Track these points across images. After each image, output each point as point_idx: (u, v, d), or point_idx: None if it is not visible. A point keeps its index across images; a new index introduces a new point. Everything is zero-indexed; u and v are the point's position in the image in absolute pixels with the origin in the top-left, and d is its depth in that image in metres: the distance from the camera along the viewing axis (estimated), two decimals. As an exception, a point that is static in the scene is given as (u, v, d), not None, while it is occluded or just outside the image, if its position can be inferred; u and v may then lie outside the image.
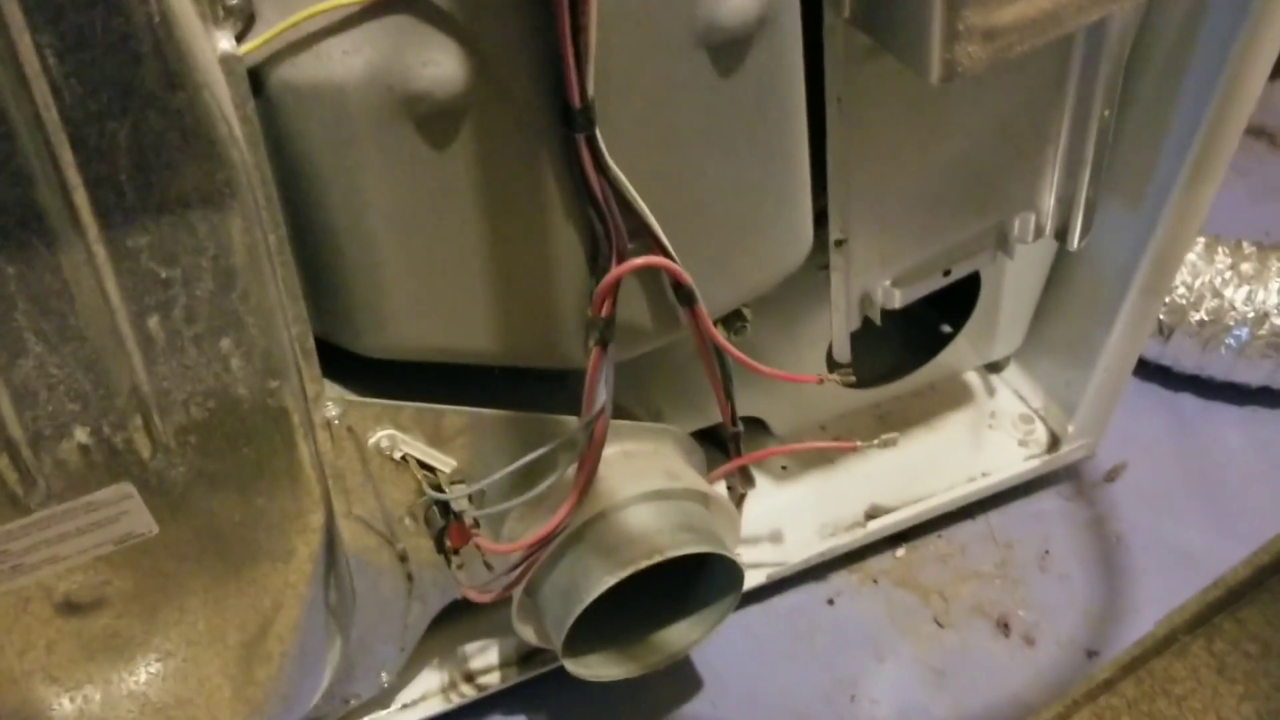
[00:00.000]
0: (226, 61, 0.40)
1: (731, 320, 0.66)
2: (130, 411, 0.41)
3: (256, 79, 0.43)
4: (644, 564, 0.59)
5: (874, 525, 0.81)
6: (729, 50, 0.49)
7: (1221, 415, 0.94)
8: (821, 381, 0.65)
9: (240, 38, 0.42)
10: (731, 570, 0.65)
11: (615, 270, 0.52)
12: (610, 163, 0.49)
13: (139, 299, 0.39)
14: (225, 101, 0.39)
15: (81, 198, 0.36)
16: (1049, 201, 0.71)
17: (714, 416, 0.67)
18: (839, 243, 0.64)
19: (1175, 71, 0.68)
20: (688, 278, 0.54)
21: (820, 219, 0.62)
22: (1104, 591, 0.82)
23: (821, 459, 0.84)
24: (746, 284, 0.60)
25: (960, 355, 0.87)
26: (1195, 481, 0.89)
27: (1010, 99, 0.63)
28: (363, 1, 0.42)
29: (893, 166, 0.63)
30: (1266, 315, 0.88)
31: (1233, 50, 0.64)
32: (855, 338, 0.70)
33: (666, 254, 0.53)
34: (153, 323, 0.39)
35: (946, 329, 0.86)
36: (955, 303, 0.84)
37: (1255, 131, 1.15)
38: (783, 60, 0.52)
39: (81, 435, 0.40)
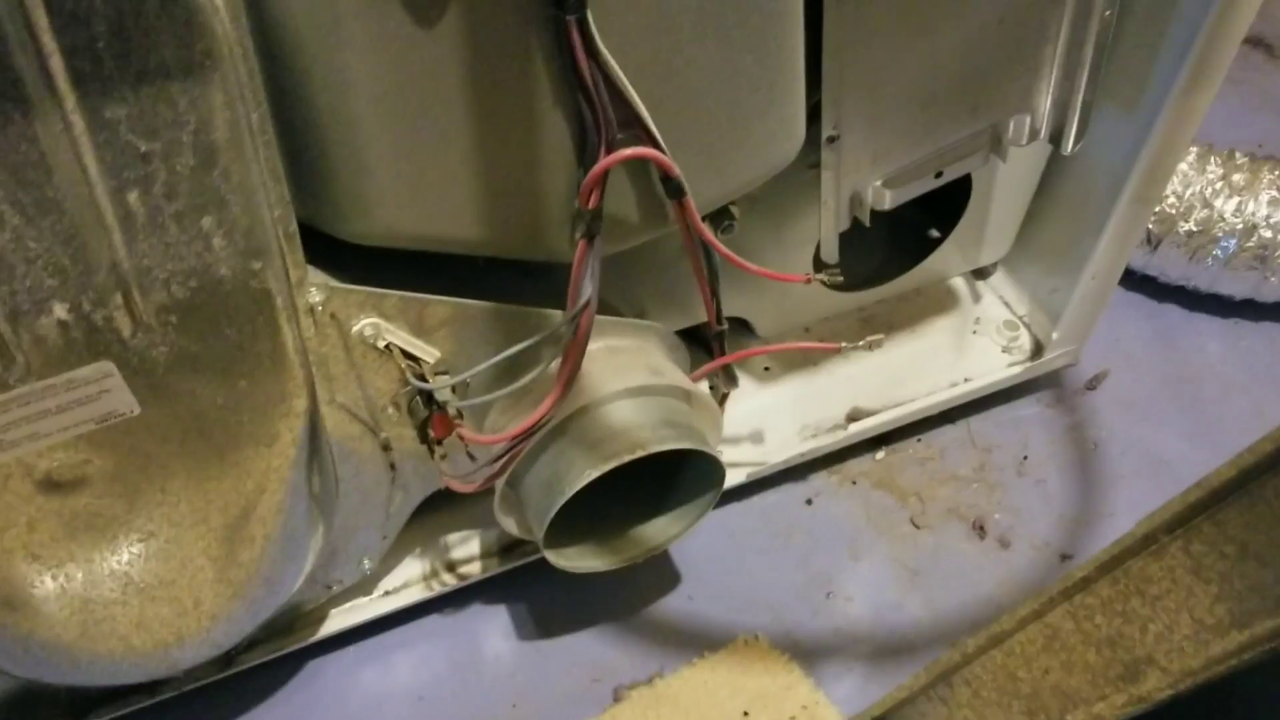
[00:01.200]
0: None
1: (719, 218, 0.66)
2: (110, 288, 0.40)
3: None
4: (626, 459, 0.59)
5: (855, 428, 0.81)
6: (727, -68, 0.48)
7: (1205, 326, 0.94)
8: (809, 281, 0.64)
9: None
10: (712, 468, 0.66)
11: (604, 160, 0.51)
12: (601, 47, 0.47)
13: (118, 172, 0.38)
14: (205, -32, 0.37)
15: (58, 64, 0.35)
16: (1045, 103, 0.69)
17: (699, 315, 0.67)
18: (831, 139, 0.63)
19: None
20: (677, 170, 0.54)
21: (813, 115, 0.61)
22: (1080, 497, 0.84)
23: (804, 361, 0.84)
24: (736, 179, 0.59)
25: (947, 261, 0.87)
26: (1175, 391, 0.90)
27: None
28: None
29: (889, 62, 0.61)
30: (1255, 227, 0.88)
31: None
32: (843, 240, 0.69)
33: (656, 145, 0.52)
34: (132, 198, 0.39)
35: (935, 234, 0.85)
36: (944, 207, 0.83)
37: (1254, 41, 1.13)
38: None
39: (61, 311, 0.39)
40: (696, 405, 0.66)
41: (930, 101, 0.66)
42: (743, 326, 0.80)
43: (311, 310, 0.51)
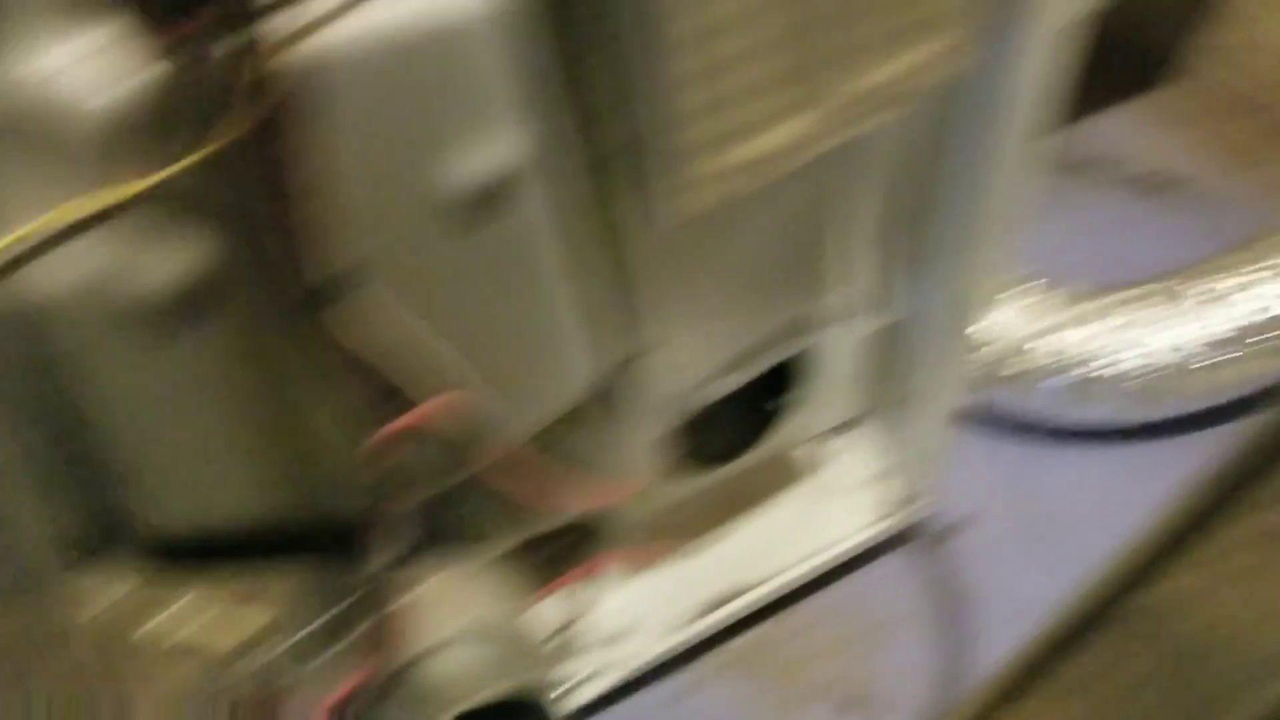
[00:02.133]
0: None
1: (542, 435, 0.67)
2: None
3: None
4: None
5: (713, 617, 0.81)
6: (478, 207, 0.50)
7: (1053, 461, 0.97)
8: (637, 490, 0.66)
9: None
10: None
11: (380, 434, 0.52)
12: (363, 330, 0.49)
13: None
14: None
15: None
16: (859, 279, 0.73)
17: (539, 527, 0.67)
18: (632, 359, 0.64)
19: (965, 152, 0.71)
20: (472, 417, 0.55)
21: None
22: (952, 652, 0.84)
23: (657, 557, 0.85)
24: (531, 416, 0.61)
25: (794, 429, 0.89)
26: (1034, 530, 0.92)
27: (795, 198, 0.64)
28: (72, 218, 0.41)
29: (681, 276, 0.63)
30: (1098, 355, 0.91)
31: (990, 135, 0.67)
32: (685, 423, 0.71)
33: (445, 399, 0.53)
34: None
35: (771, 405, 0.87)
36: (785, 376, 0.86)
37: (1077, 166, 1.18)
38: (534, 211, 0.52)
39: None
40: (525, 636, 0.66)
41: (736, 301, 0.68)
42: (585, 531, 0.81)
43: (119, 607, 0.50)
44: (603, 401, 0.67)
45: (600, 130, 0.51)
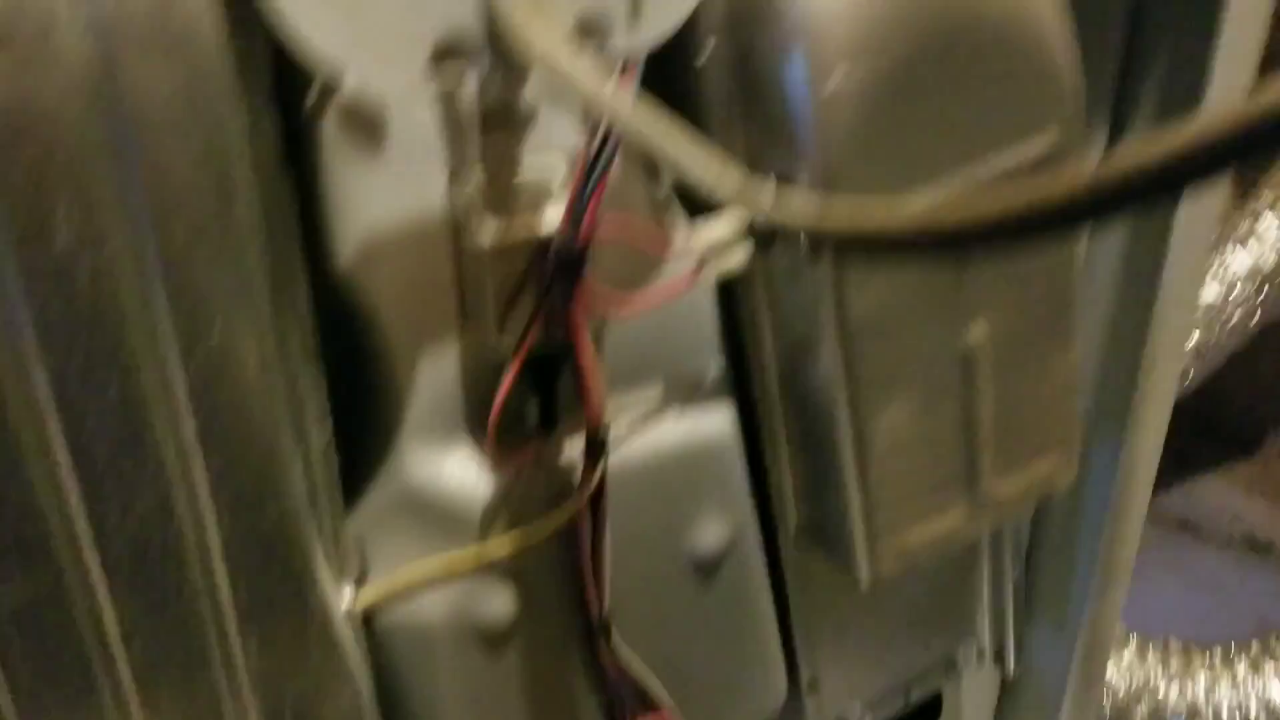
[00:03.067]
0: (348, 612, 0.57)
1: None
2: None
3: (365, 619, 0.60)
4: None
5: None
6: (707, 566, 0.67)
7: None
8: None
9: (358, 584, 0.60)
10: None
11: (634, 739, 0.67)
12: (623, 654, 0.65)
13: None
14: (353, 659, 0.55)
15: None
16: (984, 633, 0.86)
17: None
18: (810, 684, 0.78)
19: (1071, 526, 0.86)
20: (685, 732, 0.69)
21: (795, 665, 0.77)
22: None
23: None
24: (735, 731, 0.75)
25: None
26: None
27: (937, 568, 0.80)
28: (448, 568, 0.59)
29: (847, 622, 0.79)
30: (1197, 710, 1.01)
31: (1110, 511, 0.82)
32: None
33: (670, 714, 0.68)
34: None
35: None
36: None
37: (1180, 523, 1.32)
38: (748, 566, 0.69)
39: None
40: None
41: (889, 642, 0.82)
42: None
43: None
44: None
45: (804, 513, 0.69)
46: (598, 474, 0.58)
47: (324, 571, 0.53)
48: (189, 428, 0.45)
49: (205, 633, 0.49)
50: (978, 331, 0.62)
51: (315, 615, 0.52)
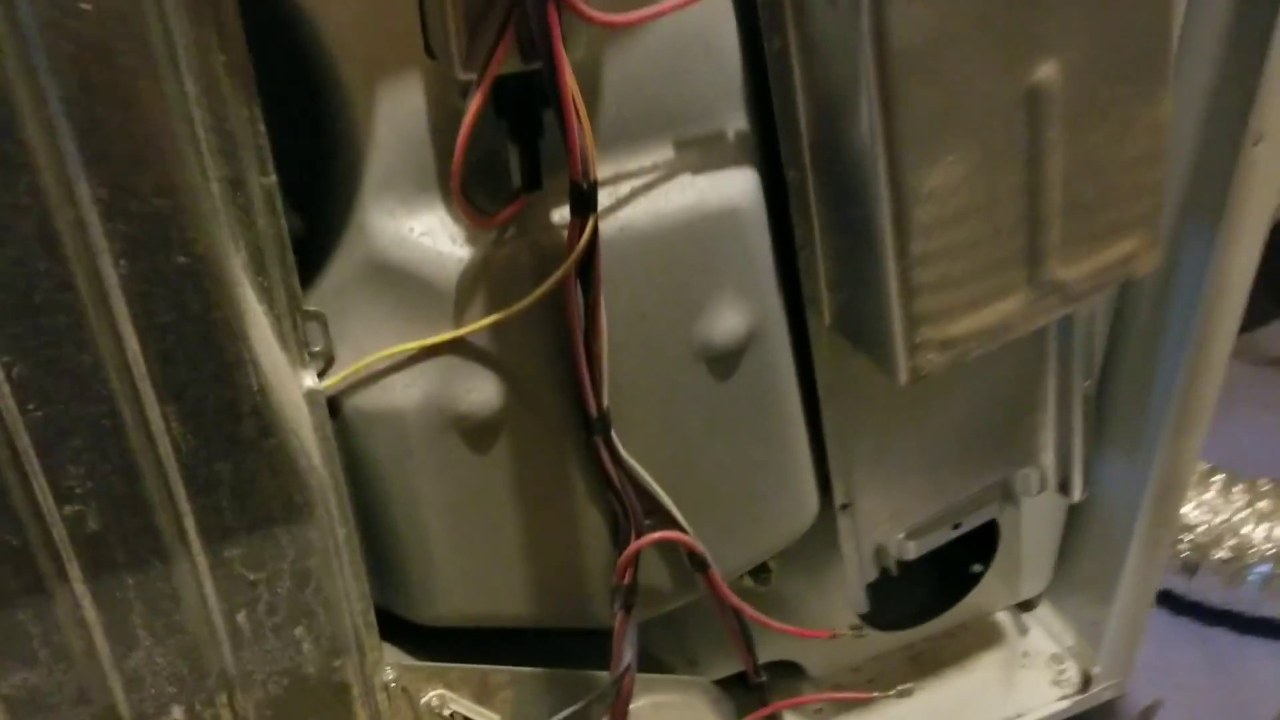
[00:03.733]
0: (310, 395, 0.51)
1: (758, 571, 0.73)
2: (218, 690, 0.49)
3: (334, 405, 0.53)
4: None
5: (907, 768, 0.84)
6: (723, 361, 0.58)
7: (1255, 650, 0.95)
8: (834, 636, 0.70)
9: (322, 374, 0.52)
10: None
11: (633, 545, 0.59)
12: (625, 456, 0.57)
13: (231, 598, 0.47)
14: (308, 438, 0.48)
15: (190, 522, 0.45)
16: (1048, 458, 0.77)
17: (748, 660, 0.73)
18: (844, 506, 0.71)
19: (1151, 341, 0.76)
20: (700, 548, 0.62)
21: (829, 484, 0.70)
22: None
23: (857, 701, 0.88)
24: (757, 548, 0.67)
25: (989, 595, 0.92)
26: (1231, 718, 0.91)
27: (993, 376, 0.71)
28: (421, 346, 0.52)
29: (887, 437, 0.70)
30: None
31: (1196, 328, 0.72)
32: (885, 580, 0.76)
33: (679, 528, 0.61)
34: (241, 617, 0.48)
35: (977, 568, 0.90)
36: (982, 542, 0.90)
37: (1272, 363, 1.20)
38: (772, 364, 0.60)
39: (178, 713, 0.48)
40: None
41: (936, 464, 0.74)
42: (794, 668, 0.85)
43: (386, 687, 0.59)
44: (815, 545, 0.73)
45: (838, 300, 0.60)
46: (587, 234, 0.49)
47: (263, 343, 0.46)
48: (67, 139, 0.37)
49: (114, 397, 0.42)
50: (1047, 71, 0.52)
51: (245, 392, 0.45)
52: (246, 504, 0.46)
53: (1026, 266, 0.57)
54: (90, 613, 0.45)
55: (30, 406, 0.40)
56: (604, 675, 0.66)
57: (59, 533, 0.43)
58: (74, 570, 0.44)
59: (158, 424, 0.43)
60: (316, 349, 0.52)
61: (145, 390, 0.43)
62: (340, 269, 0.52)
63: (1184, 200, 0.69)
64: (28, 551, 0.43)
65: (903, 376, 0.57)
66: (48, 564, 0.43)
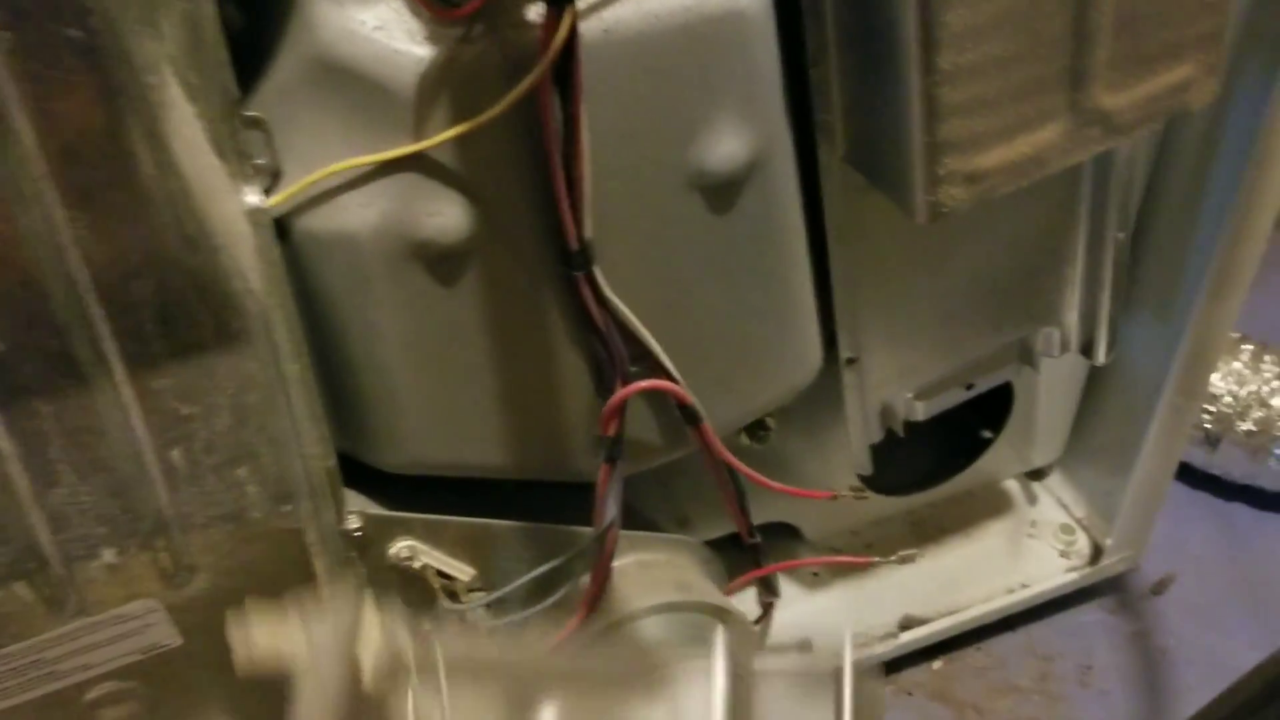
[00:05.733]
0: (253, 214, 0.45)
1: (754, 428, 0.69)
2: (154, 534, 0.45)
3: (282, 227, 0.48)
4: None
5: (908, 636, 0.81)
6: (721, 191, 0.52)
7: (1274, 527, 0.91)
8: (834, 498, 0.66)
9: (268, 191, 0.47)
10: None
11: (617, 394, 0.54)
12: (609, 295, 0.52)
13: (163, 433, 0.43)
14: (245, 257, 0.43)
15: (110, 347, 0.40)
16: (1072, 317, 0.71)
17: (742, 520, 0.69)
18: (850, 361, 0.65)
19: (1193, 194, 0.69)
20: (690, 398, 0.57)
21: (834, 337, 0.64)
22: (1147, 709, 0.81)
23: (854, 566, 0.85)
24: (753, 402, 0.62)
25: (999, 462, 0.87)
26: (1245, 594, 0.87)
27: (1018, 222, 0.65)
28: (376, 160, 0.46)
29: (900, 287, 0.65)
30: (1312, 425, 0.87)
31: (1246, 179, 0.65)
32: (890, 443, 0.71)
33: (669, 376, 0.56)
34: (175, 454, 0.43)
35: (987, 434, 0.86)
36: (994, 407, 0.85)
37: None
38: (776, 198, 0.54)
39: (109, 555, 0.44)
40: (729, 621, 0.67)
41: (949, 320, 0.68)
42: (790, 531, 0.82)
43: (349, 535, 0.55)
44: (817, 402, 0.69)
45: (853, 127, 0.53)
46: (564, 29, 0.43)
47: (188, 148, 0.40)
48: None
49: (12, 200, 0.37)
50: None
51: (163, 202, 0.39)
52: (173, 329, 0.41)
53: (1068, 90, 0.50)
54: (3, 443, 0.41)
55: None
56: (585, 530, 0.62)
57: (-40, 354, 0.38)
58: (-20, 397, 0.39)
59: (64, 233, 0.38)
60: (260, 162, 0.46)
61: (47, 192, 0.37)
62: (283, 70, 0.46)
63: (1245, 26, 0.61)
64: (-77, 373, 0.38)
65: (921, 214, 0.51)
66: (-52, 388, 0.39)
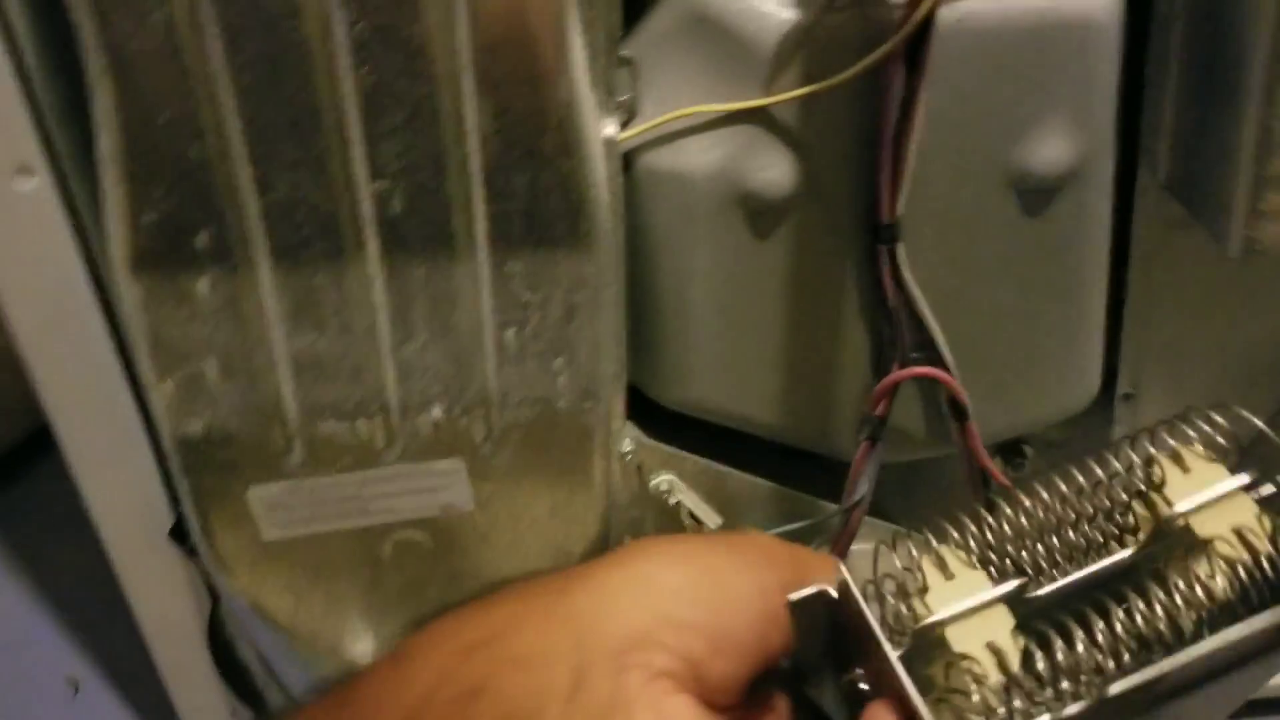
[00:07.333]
0: (608, 143, 0.50)
1: (1010, 454, 0.69)
2: (475, 402, 0.51)
3: (627, 160, 0.53)
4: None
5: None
6: (1038, 194, 0.54)
7: None
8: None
9: (623, 126, 0.52)
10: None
11: (895, 374, 0.57)
12: (906, 275, 0.54)
13: (503, 313, 0.49)
14: (601, 172, 0.48)
15: (482, 228, 0.46)
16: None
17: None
18: (1126, 396, 0.65)
19: None
20: (964, 394, 0.58)
21: (1113, 371, 0.64)
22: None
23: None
24: (1025, 416, 0.63)
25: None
26: None
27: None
28: (725, 109, 0.51)
29: (1193, 333, 0.64)
30: None
31: None
32: None
33: (947, 369, 0.58)
34: (509, 335, 0.49)
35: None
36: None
37: None
38: (1090, 211, 0.55)
39: (437, 412, 0.50)
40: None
41: (1235, 380, 0.66)
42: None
43: (622, 457, 0.59)
44: (1077, 437, 0.68)
45: (1179, 151, 0.54)
46: (924, 9, 0.46)
47: (576, 66, 0.46)
48: None
49: (436, 80, 0.43)
50: None
51: (555, 104, 0.45)
52: (535, 220, 0.47)
53: None
54: (379, 295, 0.47)
55: (364, 70, 0.42)
56: (828, 505, 0.64)
57: (366, 208, 0.45)
58: (372, 248, 0.46)
59: (471, 118, 0.44)
60: (622, 98, 0.52)
61: (466, 81, 0.43)
62: (660, 18, 0.51)
63: None
64: (335, 217, 0.45)
65: (1235, 246, 0.51)
66: (350, 234, 0.46)
